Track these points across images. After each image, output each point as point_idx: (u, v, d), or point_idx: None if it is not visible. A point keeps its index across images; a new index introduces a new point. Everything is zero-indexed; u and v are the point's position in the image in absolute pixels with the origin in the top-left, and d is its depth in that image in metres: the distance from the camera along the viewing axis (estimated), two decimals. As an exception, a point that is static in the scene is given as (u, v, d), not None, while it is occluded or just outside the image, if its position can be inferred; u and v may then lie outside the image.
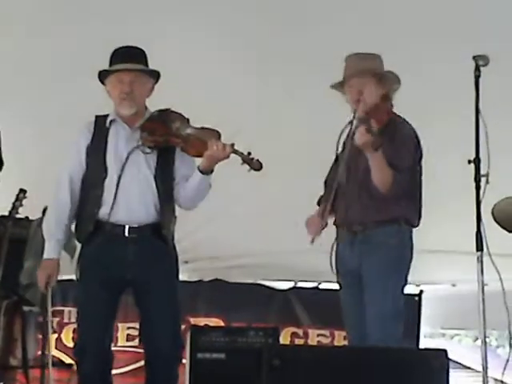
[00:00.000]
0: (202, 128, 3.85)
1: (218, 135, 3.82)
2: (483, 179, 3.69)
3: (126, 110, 3.83)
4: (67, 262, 5.08)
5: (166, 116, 3.86)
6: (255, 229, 5.83)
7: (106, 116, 3.88)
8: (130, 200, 3.76)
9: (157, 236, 3.81)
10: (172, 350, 3.81)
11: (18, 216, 5.11)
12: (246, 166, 3.78)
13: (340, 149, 3.94)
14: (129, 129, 3.84)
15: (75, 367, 3.87)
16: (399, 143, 3.78)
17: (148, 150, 3.81)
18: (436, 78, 4.95)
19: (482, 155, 3.70)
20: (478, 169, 3.70)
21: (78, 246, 4.00)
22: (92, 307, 3.76)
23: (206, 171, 3.80)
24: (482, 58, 3.73)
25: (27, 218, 5.25)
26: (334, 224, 3.99)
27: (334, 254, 3.95)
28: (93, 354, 3.76)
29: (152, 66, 3.92)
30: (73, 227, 3.93)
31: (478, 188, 3.69)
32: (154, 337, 3.78)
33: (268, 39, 5.08)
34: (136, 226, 3.77)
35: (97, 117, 3.89)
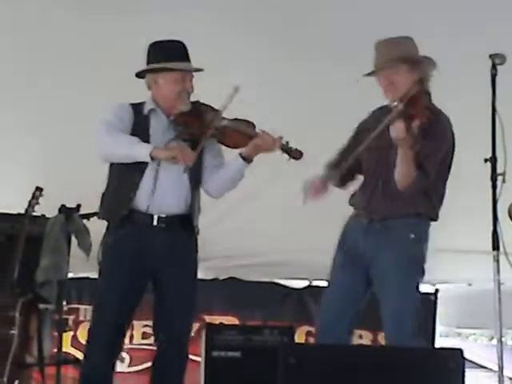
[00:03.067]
0: (236, 119, 3.90)
1: (253, 126, 3.89)
2: (500, 178, 3.68)
3: (186, 107, 3.87)
4: (82, 260, 5.12)
5: (198, 108, 3.90)
6: (270, 227, 5.83)
7: (141, 104, 3.91)
8: (164, 192, 3.79)
9: (185, 227, 3.86)
10: (185, 343, 3.90)
11: (34, 214, 5.13)
12: (286, 156, 3.87)
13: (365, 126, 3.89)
14: (166, 120, 3.88)
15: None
16: (434, 144, 3.69)
17: (185, 144, 3.84)
18: (452, 77, 4.93)
19: (498, 154, 3.69)
20: (494, 167, 3.69)
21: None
22: (115, 296, 3.76)
23: (249, 159, 3.85)
24: (499, 57, 3.71)
25: (43, 215, 5.27)
26: (351, 204, 3.91)
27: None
28: (107, 344, 3.78)
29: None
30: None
31: (494, 187, 3.68)
32: (170, 335, 3.81)
33: (284, 31, 5.08)
34: (164, 216, 3.80)
35: (131, 103, 3.91)
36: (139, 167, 3.78)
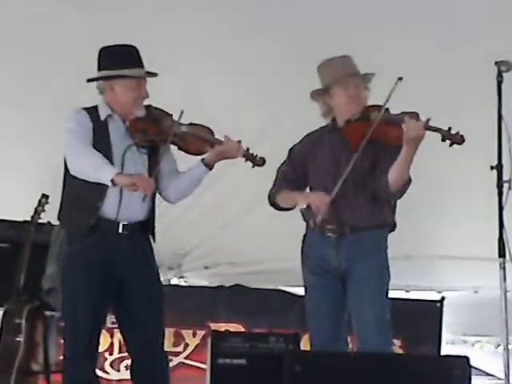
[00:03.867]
0: (192, 124, 3.88)
1: (211, 132, 3.88)
2: (506, 185, 3.68)
3: (141, 112, 3.85)
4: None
5: (152, 114, 3.87)
6: (275, 234, 5.82)
7: (95, 108, 3.86)
8: (130, 199, 3.76)
9: (145, 233, 3.87)
10: (162, 345, 3.88)
11: (40, 221, 5.14)
12: (250, 163, 3.86)
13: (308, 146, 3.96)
14: (123, 125, 3.85)
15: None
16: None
17: (144, 150, 3.84)
18: (458, 84, 4.93)
19: (504, 161, 3.69)
20: (500, 175, 3.69)
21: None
22: (86, 305, 3.73)
23: (211, 166, 3.85)
24: (505, 64, 3.72)
25: (49, 222, 5.26)
26: (307, 219, 3.92)
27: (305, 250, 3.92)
28: (92, 354, 3.78)
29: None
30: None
31: (500, 194, 3.68)
32: (146, 337, 3.79)
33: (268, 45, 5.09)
34: (126, 223, 3.78)
35: (85, 109, 3.85)
36: None
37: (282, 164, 4.05)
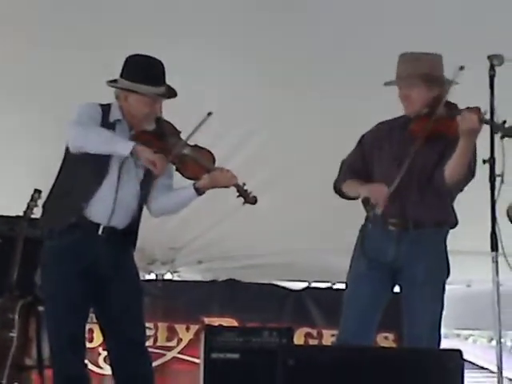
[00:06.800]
0: (196, 147, 3.85)
1: (213, 158, 3.86)
2: (498, 179, 3.68)
3: (150, 127, 3.85)
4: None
5: (161, 129, 3.85)
6: (269, 229, 5.83)
7: (108, 107, 3.84)
8: (120, 205, 3.77)
9: (130, 239, 3.88)
10: (143, 354, 3.87)
11: (32, 216, 5.13)
12: (241, 199, 3.84)
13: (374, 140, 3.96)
14: (129, 133, 3.84)
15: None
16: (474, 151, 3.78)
17: (141, 163, 3.80)
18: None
19: (496, 155, 3.69)
20: (492, 168, 3.68)
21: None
22: (64, 301, 3.74)
23: (202, 192, 3.84)
24: (497, 58, 3.72)
25: (42, 218, 5.27)
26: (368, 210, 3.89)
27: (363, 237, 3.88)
28: (79, 349, 3.80)
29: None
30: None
31: (492, 188, 3.68)
32: (124, 339, 3.80)
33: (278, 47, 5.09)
34: (112, 227, 3.78)
35: (100, 105, 3.84)
36: (98, 176, 3.75)
37: (351, 152, 4.02)
